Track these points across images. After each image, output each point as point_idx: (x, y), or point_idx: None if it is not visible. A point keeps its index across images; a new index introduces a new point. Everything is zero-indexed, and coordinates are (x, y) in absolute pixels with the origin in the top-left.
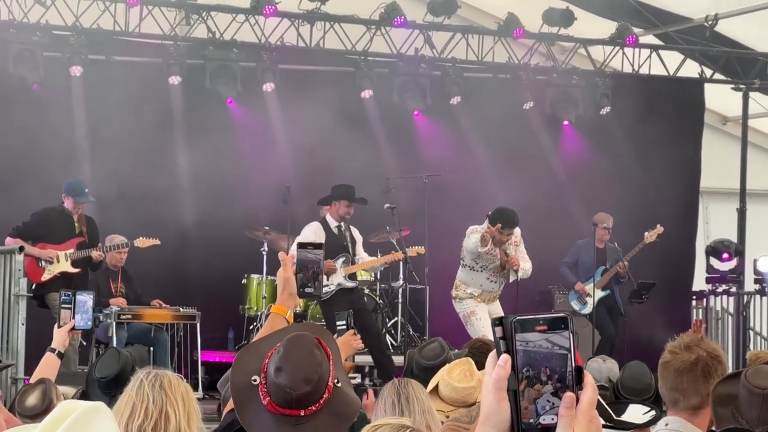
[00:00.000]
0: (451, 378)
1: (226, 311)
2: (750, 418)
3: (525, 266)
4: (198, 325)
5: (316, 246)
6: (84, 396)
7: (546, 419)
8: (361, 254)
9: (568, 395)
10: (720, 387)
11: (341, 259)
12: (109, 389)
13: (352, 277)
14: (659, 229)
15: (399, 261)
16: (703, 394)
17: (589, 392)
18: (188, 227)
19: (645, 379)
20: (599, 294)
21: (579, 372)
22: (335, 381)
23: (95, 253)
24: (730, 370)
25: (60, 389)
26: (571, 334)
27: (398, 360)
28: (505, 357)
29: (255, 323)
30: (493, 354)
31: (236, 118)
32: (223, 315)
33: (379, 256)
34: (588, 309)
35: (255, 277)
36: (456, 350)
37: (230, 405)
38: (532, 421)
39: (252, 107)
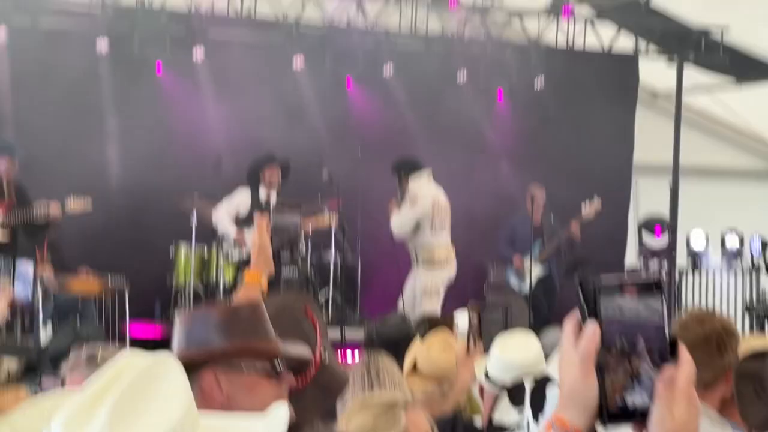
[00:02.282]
0: (432, 351)
1: (153, 282)
2: None
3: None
4: (127, 295)
5: (293, 206)
6: (30, 369)
7: (637, 399)
8: None
9: (668, 371)
10: (745, 364)
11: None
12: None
13: None
14: (597, 203)
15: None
16: (717, 368)
17: (687, 367)
18: (115, 195)
19: None
20: (537, 270)
21: (673, 344)
22: (322, 354)
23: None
24: None
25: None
26: (664, 299)
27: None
28: (594, 327)
29: (183, 294)
30: (572, 322)
31: (165, 86)
32: (150, 285)
33: (309, 228)
34: (526, 285)
35: (183, 246)
36: None
37: None
38: (623, 400)
39: (182, 75)
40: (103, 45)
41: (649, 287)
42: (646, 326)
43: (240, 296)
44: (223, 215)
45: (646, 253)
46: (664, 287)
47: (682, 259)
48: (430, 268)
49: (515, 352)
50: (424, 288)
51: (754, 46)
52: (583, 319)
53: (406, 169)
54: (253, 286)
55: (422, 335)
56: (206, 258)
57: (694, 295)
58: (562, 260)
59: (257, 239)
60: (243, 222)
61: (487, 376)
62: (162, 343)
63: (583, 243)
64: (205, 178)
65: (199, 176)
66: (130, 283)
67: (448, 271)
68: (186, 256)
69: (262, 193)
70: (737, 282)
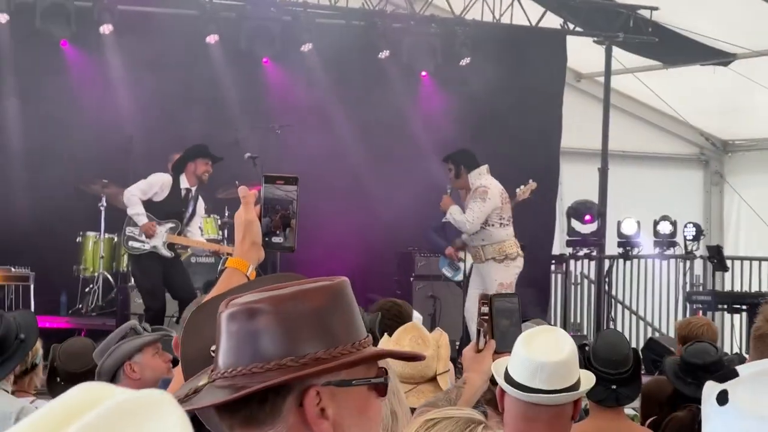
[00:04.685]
0: (402, 349)
1: (59, 272)
2: None
3: (455, 214)
4: (32, 286)
5: (289, 180)
6: None
7: None
8: (194, 230)
9: None
10: None
11: (169, 225)
12: None
13: (171, 247)
14: (532, 184)
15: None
16: None
17: None
18: (18, 180)
19: (623, 350)
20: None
21: None
22: None
23: None
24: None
25: None
26: None
27: None
28: None
29: (91, 285)
30: None
31: (71, 61)
32: (56, 276)
33: (226, 214)
34: (461, 275)
35: (91, 234)
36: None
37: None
38: None
39: (88, 50)
40: (1, 15)
41: None
42: None
43: (221, 287)
44: (136, 195)
45: (574, 240)
46: None
47: (610, 247)
48: (502, 263)
49: (544, 351)
50: (501, 283)
51: (682, 29)
52: None
53: (467, 163)
54: (238, 275)
55: (383, 329)
56: (116, 247)
57: (623, 285)
58: None
59: (242, 215)
60: (156, 215)
61: (508, 380)
62: (68, 334)
63: None
64: (114, 162)
65: (108, 160)
66: (35, 275)
67: (517, 265)
68: (94, 246)
69: (184, 183)
70: (670, 269)
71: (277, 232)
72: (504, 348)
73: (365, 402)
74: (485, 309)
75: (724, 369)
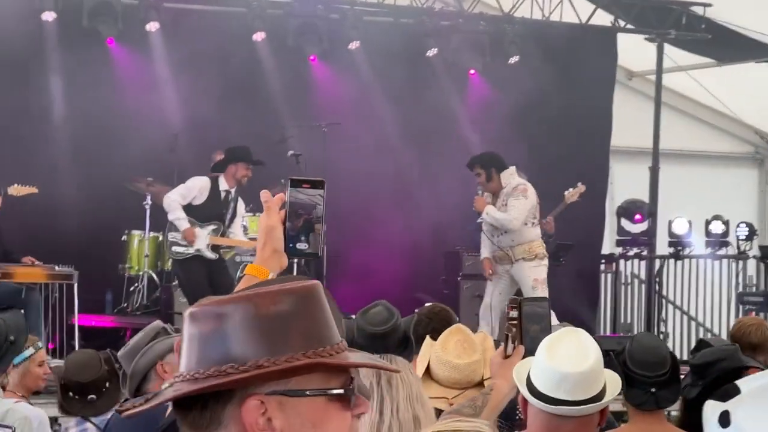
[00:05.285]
0: (447, 353)
1: (104, 271)
2: None
3: (494, 213)
4: (75, 285)
5: (315, 184)
6: None
7: None
8: (236, 231)
9: None
10: None
11: (211, 227)
12: None
13: (215, 248)
14: (581, 187)
15: None
16: None
17: None
18: (62, 177)
19: (660, 352)
20: None
21: None
22: None
23: None
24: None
25: None
26: None
27: None
28: None
29: (136, 284)
30: None
31: (117, 59)
32: (101, 275)
33: None
34: None
35: (136, 233)
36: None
37: None
38: None
39: (134, 48)
40: (49, 13)
41: None
42: None
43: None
44: (176, 200)
45: (624, 239)
46: None
47: (660, 247)
48: (533, 261)
49: (568, 360)
50: (536, 279)
51: (736, 25)
52: None
53: (497, 165)
54: (255, 281)
55: (426, 331)
56: (161, 246)
57: (674, 285)
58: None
59: (264, 220)
60: (197, 218)
61: (531, 389)
62: (113, 333)
63: (559, 230)
64: (160, 160)
65: (153, 158)
66: (79, 273)
67: (545, 264)
68: (139, 244)
69: (223, 185)
70: (722, 270)
71: (301, 237)
72: (533, 354)
73: (322, 414)
74: (514, 313)
75: (734, 365)
